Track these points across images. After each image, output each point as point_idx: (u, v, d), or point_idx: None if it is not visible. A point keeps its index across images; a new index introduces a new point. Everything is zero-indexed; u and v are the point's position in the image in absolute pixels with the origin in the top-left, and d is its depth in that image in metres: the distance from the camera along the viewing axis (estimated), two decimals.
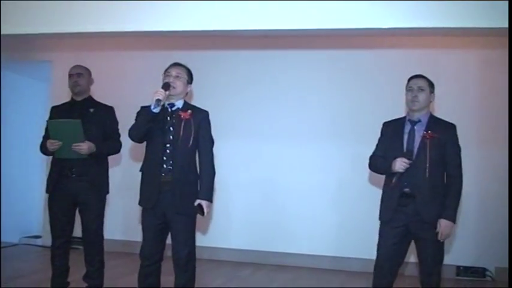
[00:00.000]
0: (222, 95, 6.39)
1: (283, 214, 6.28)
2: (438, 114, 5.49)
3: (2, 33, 4.22)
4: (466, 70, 5.98)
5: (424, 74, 5.85)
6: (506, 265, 5.34)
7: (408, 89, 3.68)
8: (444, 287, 5.27)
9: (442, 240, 3.55)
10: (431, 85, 3.69)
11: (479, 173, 5.83)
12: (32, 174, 7.31)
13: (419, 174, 3.53)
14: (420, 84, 3.64)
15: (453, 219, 3.52)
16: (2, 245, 6.47)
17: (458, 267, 5.86)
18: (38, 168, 7.00)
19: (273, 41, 6.20)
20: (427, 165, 3.51)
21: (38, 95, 7.40)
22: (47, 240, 6.38)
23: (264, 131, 6.38)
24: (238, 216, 6.39)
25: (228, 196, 6.32)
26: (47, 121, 4.19)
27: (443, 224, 3.49)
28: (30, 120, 7.17)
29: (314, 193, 6.22)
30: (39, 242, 7.00)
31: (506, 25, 3.46)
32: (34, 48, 6.79)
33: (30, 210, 7.35)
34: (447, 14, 3.56)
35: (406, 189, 3.57)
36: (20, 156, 7.10)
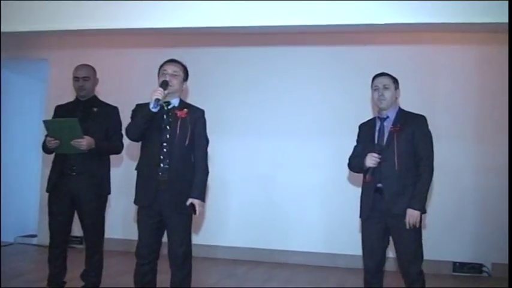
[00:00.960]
0: (220, 92, 6.39)
1: (280, 211, 6.28)
2: (436, 110, 5.56)
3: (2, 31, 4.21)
4: (464, 66, 6.00)
5: (421, 70, 5.96)
6: (503, 261, 5.36)
7: (374, 88, 3.73)
8: (440, 284, 5.32)
9: (408, 228, 3.53)
10: (395, 81, 3.73)
11: (477, 169, 5.86)
12: (27, 173, 7.29)
13: (389, 168, 3.58)
14: (385, 83, 3.69)
15: (420, 208, 3.52)
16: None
17: (454, 263, 5.87)
18: (34, 167, 6.98)
19: (273, 38, 6.20)
20: (395, 158, 3.57)
21: (35, 94, 7.38)
22: (42, 239, 6.38)
23: (261, 128, 6.38)
24: (235, 213, 6.38)
25: (225, 194, 6.32)
26: (44, 120, 4.17)
27: (408, 213, 3.51)
28: (27, 119, 7.16)
29: (312, 190, 6.23)
30: (34, 241, 6.97)
31: (506, 20, 3.48)
32: (30, 46, 6.76)
33: (25, 209, 7.32)
34: (445, 9, 3.57)
35: (379, 185, 3.63)
36: (15, 155, 7.07)
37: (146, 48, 6.56)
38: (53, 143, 4.05)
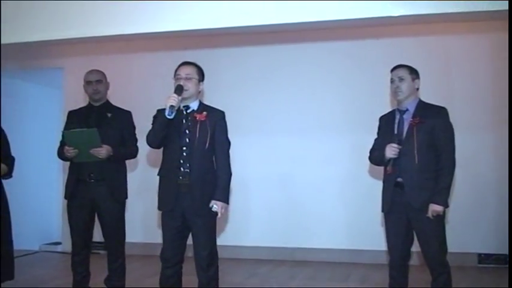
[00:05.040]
0: (234, 92, 6.39)
1: (301, 209, 6.26)
2: (450, 99, 5.50)
3: (11, 41, 4.26)
4: (477, 55, 5.94)
5: (435, 60, 5.90)
6: None
7: (391, 80, 3.70)
8: (466, 276, 5.27)
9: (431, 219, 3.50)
10: (413, 72, 3.68)
11: (497, 158, 5.79)
12: (49, 180, 7.37)
13: (409, 162, 3.54)
14: (400, 75, 3.65)
15: (443, 202, 3.48)
16: (23, 253, 6.52)
17: (479, 254, 5.82)
18: (56, 174, 7.06)
19: (285, 35, 6.19)
20: (415, 151, 3.52)
21: (52, 102, 7.46)
22: (66, 246, 6.43)
23: (279, 127, 6.37)
24: (256, 213, 6.38)
25: (245, 194, 6.31)
26: (63, 132, 4.19)
27: (431, 208, 3.47)
28: (46, 127, 7.23)
29: (331, 186, 6.20)
30: (59, 248, 7.05)
31: (506, 7, 3.46)
32: (45, 55, 6.83)
33: (49, 216, 7.41)
34: None
35: (399, 179, 3.59)
36: (37, 163, 7.14)
37: (158, 52, 6.57)
38: (71, 152, 4.07)
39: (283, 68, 6.41)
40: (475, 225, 5.81)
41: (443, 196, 3.49)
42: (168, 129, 3.53)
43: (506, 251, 5.70)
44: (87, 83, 4.31)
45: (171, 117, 3.45)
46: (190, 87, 3.58)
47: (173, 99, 3.44)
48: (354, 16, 3.79)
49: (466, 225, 5.77)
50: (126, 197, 4.39)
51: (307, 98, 6.33)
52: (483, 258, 5.81)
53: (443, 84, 5.90)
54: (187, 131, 3.59)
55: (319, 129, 6.27)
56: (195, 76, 3.64)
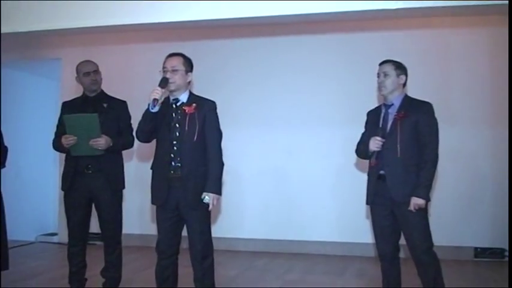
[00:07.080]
0: (229, 85, 6.38)
1: (296, 202, 6.28)
2: (451, 94, 5.50)
3: (9, 31, 4.24)
4: (475, 49, 5.93)
5: (434, 55, 5.89)
6: None
7: (377, 75, 3.72)
8: (462, 270, 5.28)
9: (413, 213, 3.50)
10: (399, 68, 3.67)
11: (494, 152, 5.80)
12: (46, 171, 7.36)
13: (391, 155, 3.57)
14: (385, 70, 3.66)
15: (424, 196, 3.49)
16: (19, 244, 6.52)
17: (475, 248, 5.84)
18: (52, 165, 7.05)
19: (281, 28, 6.17)
20: (398, 145, 3.55)
21: (49, 93, 7.44)
22: (63, 237, 6.44)
23: (274, 120, 6.37)
24: (253, 205, 6.39)
25: (242, 186, 6.33)
26: (64, 116, 4.14)
27: (413, 201, 3.48)
28: (43, 118, 7.21)
29: (325, 179, 6.22)
30: (55, 239, 7.06)
31: (507, 1, 3.46)
32: (43, 46, 6.80)
33: (46, 207, 7.41)
34: None
35: (382, 172, 3.62)
36: (34, 154, 7.14)
37: (156, 43, 6.54)
38: (71, 140, 4.04)
39: (277, 61, 6.40)
40: (470, 219, 5.83)
41: (425, 190, 3.51)
42: (153, 123, 3.52)
43: (501, 245, 5.73)
44: (85, 74, 4.26)
45: (154, 110, 3.44)
46: (176, 79, 3.54)
47: (156, 93, 3.42)
48: (351, 9, 3.78)
49: (462, 219, 5.79)
50: (124, 188, 4.38)
51: (301, 92, 6.32)
52: (479, 252, 5.83)
53: (440, 78, 5.89)
54: (177, 125, 3.57)
55: (313, 123, 6.27)
56: (181, 67, 3.58)
